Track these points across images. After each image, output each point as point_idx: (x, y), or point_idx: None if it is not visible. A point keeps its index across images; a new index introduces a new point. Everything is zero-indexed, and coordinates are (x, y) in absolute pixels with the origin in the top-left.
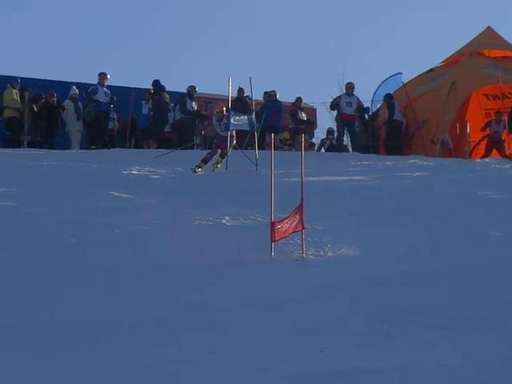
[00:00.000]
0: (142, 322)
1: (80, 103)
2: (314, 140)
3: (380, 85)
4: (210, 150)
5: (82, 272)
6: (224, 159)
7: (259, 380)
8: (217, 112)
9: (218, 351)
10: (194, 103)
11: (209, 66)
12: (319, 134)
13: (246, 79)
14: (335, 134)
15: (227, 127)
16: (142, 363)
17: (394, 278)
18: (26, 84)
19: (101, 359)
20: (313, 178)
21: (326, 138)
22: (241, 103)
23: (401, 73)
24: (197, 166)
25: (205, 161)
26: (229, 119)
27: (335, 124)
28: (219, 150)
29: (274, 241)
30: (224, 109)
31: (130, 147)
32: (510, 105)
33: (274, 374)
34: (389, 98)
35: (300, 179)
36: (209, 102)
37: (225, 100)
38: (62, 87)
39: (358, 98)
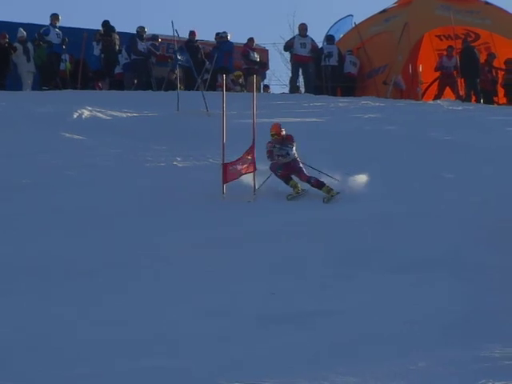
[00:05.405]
0: (95, 266)
1: (30, 44)
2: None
3: (331, 27)
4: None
5: (35, 214)
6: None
7: (213, 323)
8: (273, 135)
9: (169, 296)
10: (144, 44)
11: (158, 7)
12: (270, 75)
13: (196, 21)
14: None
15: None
16: (91, 311)
17: (350, 220)
18: None
19: (51, 305)
20: (265, 119)
21: None
22: (192, 46)
23: (351, 15)
24: (294, 193)
25: (293, 186)
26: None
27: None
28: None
29: (226, 182)
30: (283, 131)
31: (81, 88)
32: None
33: (229, 317)
34: (325, 39)
35: (252, 120)
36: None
37: (176, 41)
38: (14, 28)
39: (312, 39)
